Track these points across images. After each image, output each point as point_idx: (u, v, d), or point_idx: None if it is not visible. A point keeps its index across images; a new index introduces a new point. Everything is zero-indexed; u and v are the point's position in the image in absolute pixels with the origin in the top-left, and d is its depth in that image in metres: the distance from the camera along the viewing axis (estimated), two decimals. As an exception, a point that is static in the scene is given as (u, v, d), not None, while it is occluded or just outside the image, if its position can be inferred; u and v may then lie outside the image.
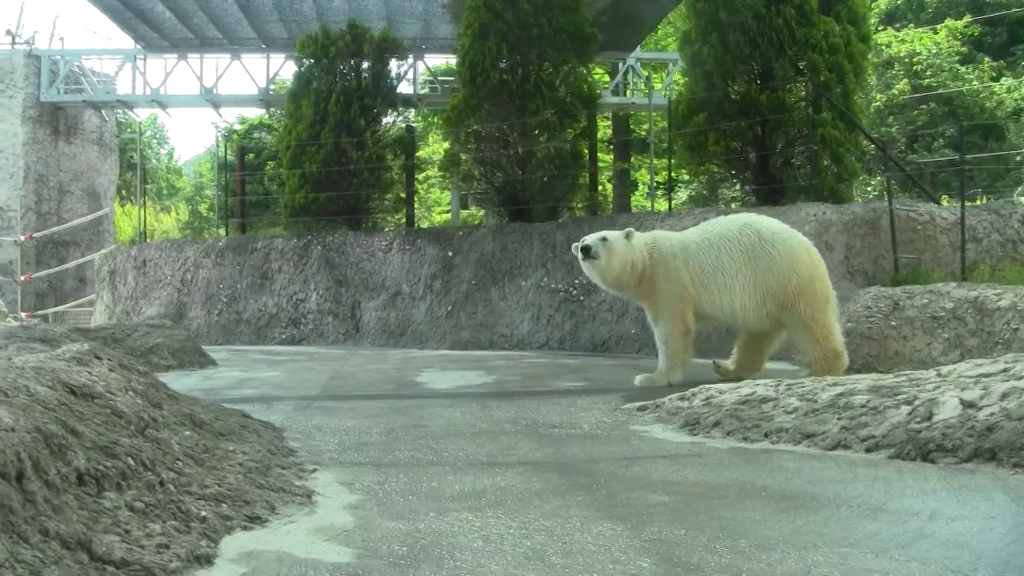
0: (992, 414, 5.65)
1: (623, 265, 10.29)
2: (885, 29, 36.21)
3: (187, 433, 5.22)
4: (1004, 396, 5.77)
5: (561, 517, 4.41)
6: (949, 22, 35.69)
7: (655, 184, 30.13)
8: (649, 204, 29.59)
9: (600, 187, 25.49)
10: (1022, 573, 3.52)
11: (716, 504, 4.70)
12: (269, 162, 38.40)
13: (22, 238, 31.99)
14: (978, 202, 19.90)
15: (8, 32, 34.36)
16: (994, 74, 36.05)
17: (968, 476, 5.18)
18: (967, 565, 3.57)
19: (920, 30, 35.66)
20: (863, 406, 6.44)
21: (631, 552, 3.79)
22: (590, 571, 3.57)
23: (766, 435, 6.59)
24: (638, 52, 32.28)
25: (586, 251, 10.16)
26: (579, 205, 21.28)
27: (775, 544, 3.88)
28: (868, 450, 5.91)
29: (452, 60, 28.83)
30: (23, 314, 29.40)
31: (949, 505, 4.55)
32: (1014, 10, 37.63)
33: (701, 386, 7.96)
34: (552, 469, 5.72)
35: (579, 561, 3.69)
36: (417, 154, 28.17)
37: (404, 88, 27.80)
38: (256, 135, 45.41)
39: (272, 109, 36.86)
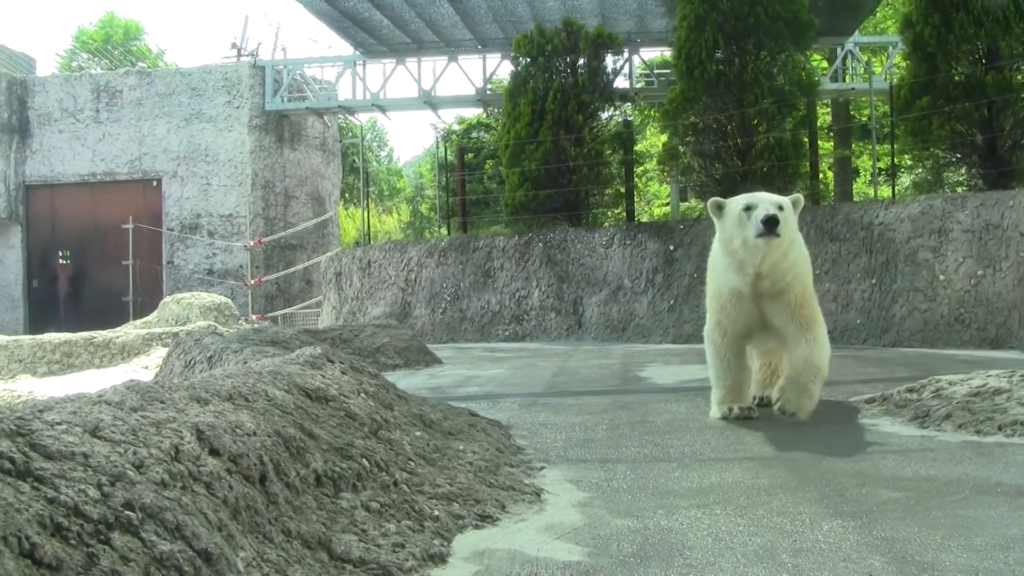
0: None
1: (791, 246, 7.20)
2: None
3: (417, 433, 5.38)
4: None
5: (790, 514, 4.39)
6: None
7: (877, 170, 29.46)
8: (872, 191, 28.97)
9: (821, 175, 25.03)
10: None
11: (949, 501, 4.59)
12: (488, 161, 38.91)
13: (251, 243, 33.20)
14: None
15: (234, 46, 35.70)
16: None
17: None
18: None
19: None
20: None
21: (863, 550, 3.76)
22: (821, 569, 3.55)
23: (1000, 428, 6.38)
24: (856, 36, 31.56)
25: (772, 224, 6.68)
26: (801, 194, 20.94)
27: (1014, 543, 3.78)
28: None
29: (667, 53, 28.74)
30: (254, 317, 30.53)
31: None
32: None
33: (930, 377, 7.78)
34: (779, 464, 5.69)
35: (810, 559, 3.67)
36: (635, 148, 28.15)
37: (620, 83, 27.81)
38: (474, 135, 46.05)
39: (489, 108, 37.26)
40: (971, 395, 7.02)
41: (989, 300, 14.50)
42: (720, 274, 7.53)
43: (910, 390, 7.69)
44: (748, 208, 6.92)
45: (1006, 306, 14.28)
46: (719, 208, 7.24)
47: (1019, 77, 17.48)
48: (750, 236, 6.86)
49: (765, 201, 6.91)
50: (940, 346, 14.09)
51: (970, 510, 4.40)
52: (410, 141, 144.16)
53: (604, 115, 24.91)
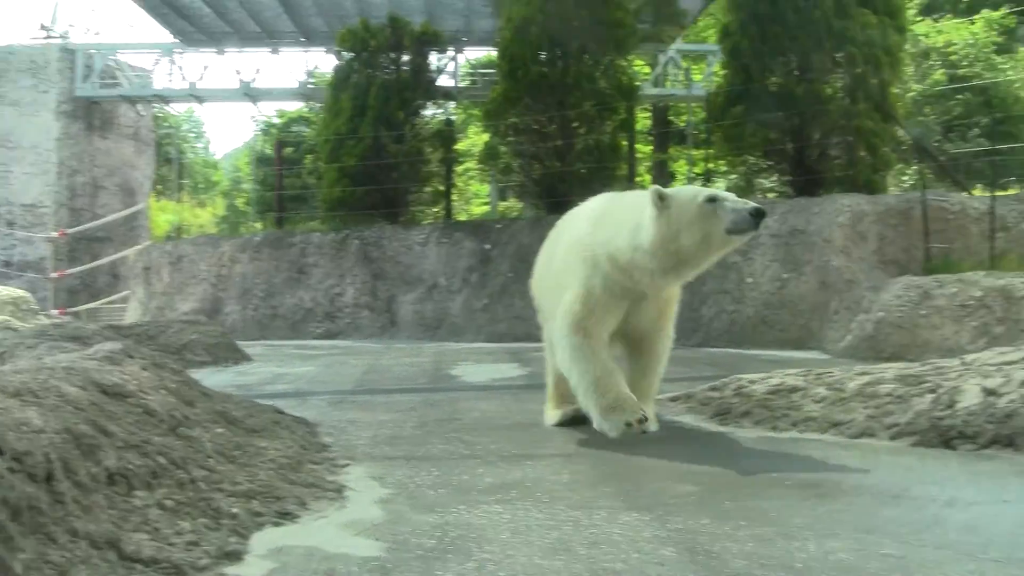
0: (1012, 401, 5.80)
1: None
2: (923, 20, 36.01)
3: (219, 430, 5.29)
4: (1023, 384, 5.87)
5: (588, 508, 4.48)
6: (986, 13, 35.47)
7: (694, 175, 30.09)
8: (688, 195, 29.51)
9: (639, 178, 25.45)
10: None
11: (741, 493, 4.78)
12: (308, 156, 38.55)
13: (55, 234, 32.14)
14: (1010, 192, 19.86)
15: (42, 27, 34.45)
16: (1031, 65, 35.94)
17: (987, 462, 5.35)
18: (979, 549, 3.66)
19: (957, 21, 35.46)
20: (889, 395, 6.52)
21: (656, 542, 3.87)
22: (615, 561, 3.63)
23: (794, 424, 6.71)
24: (679, 44, 32.19)
25: (761, 218, 6.00)
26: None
27: (797, 532, 3.96)
28: (892, 438, 6.01)
29: (493, 53, 28.86)
30: (55, 311, 29.55)
31: (966, 491, 4.69)
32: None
33: (732, 376, 8.00)
34: (581, 460, 5.84)
35: (604, 551, 3.75)
36: (456, 147, 28.23)
37: (444, 81, 27.83)
38: (294, 129, 45.53)
39: (311, 103, 36.91)
40: (769, 393, 7.25)
41: (793, 302, 15.03)
42: (605, 271, 6.50)
43: (713, 388, 7.88)
44: (713, 200, 6.02)
45: (808, 308, 14.83)
46: (662, 199, 6.16)
47: (828, 90, 18.12)
48: (717, 231, 6.00)
49: (728, 195, 6.16)
50: (746, 346, 14.48)
51: (760, 501, 4.58)
52: (228, 133, 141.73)
53: (426, 113, 24.94)
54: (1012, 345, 7.64)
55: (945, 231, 16.18)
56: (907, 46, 23.17)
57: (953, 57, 33.17)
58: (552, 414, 7.38)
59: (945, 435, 5.83)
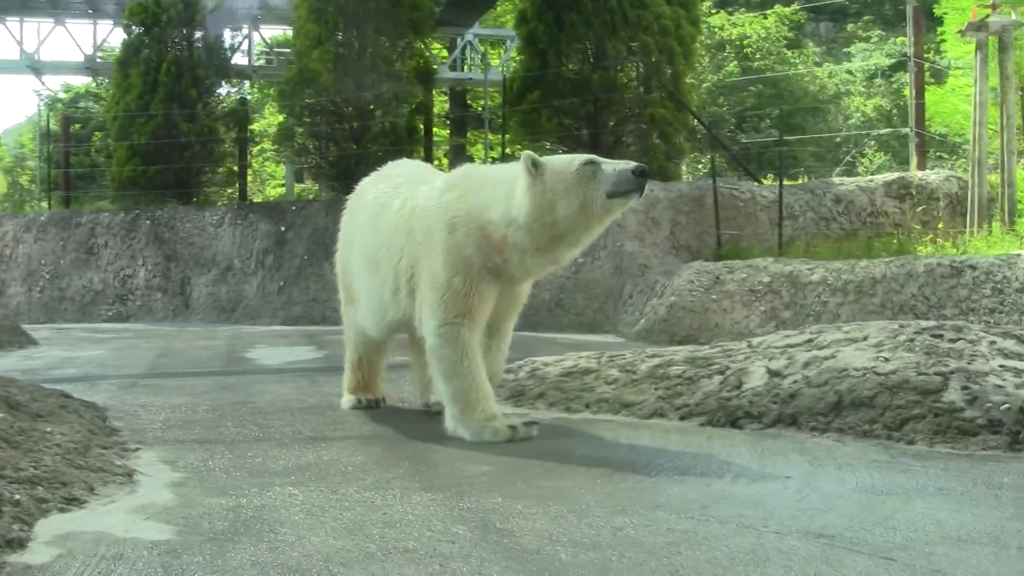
0: (795, 382, 6.08)
1: None
2: (718, 12, 36.98)
3: (0, 415, 5.10)
4: (806, 365, 6.17)
5: (383, 489, 4.50)
6: (778, 8, 36.59)
7: (491, 160, 30.27)
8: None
9: (436, 162, 25.47)
10: (806, 525, 3.76)
11: (534, 473, 4.86)
12: (96, 133, 37.46)
13: None
14: (798, 181, 20.55)
15: None
16: (817, 59, 37.39)
17: (771, 440, 5.59)
18: (759, 522, 3.81)
19: (751, 15, 36.53)
20: (679, 376, 6.68)
21: (448, 520, 3.91)
22: (407, 539, 3.65)
23: (587, 406, 6.85)
24: (477, 28, 32.28)
25: (644, 178, 5.60)
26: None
27: (588, 509, 4.04)
28: (682, 418, 6.18)
29: (289, 32, 28.48)
30: None
31: (751, 467, 4.89)
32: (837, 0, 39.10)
33: (527, 359, 8.05)
34: (377, 443, 5.86)
35: (397, 531, 3.77)
36: (252, 127, 27.81)
37: (239, 60, 27.39)
38: (82, 104, 44.21)
39: (99, 77, 35.85)
40: (563, 375, 7.34)
41: (588, 286, 15.26)
42: (477, 244, 5.82)
43: (508, 371, 7.91)
44: (592, 163, 5.58)
45: (603, 292, 15.09)
46: (536, 166, 5.63)
47: (623, 78, 18.41)
48: (597, 196, 5.50)
49: (605, 159, 5.71)
50: (541, 329, 14.60)
51: (552, 481, 4.67)
52: (10, 107, 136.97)
53: (220, 91, 24.50)
54: (797, 329, 7.91)
55: (736, 218, 16.67)
56: (701, 37, 23.74)
57: (747, 50, 34.23)
58: (348, 398, 7.26)
59: (732, 415, 6.07)
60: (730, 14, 37.04)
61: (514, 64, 24.83)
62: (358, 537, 3.68)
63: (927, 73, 22.97)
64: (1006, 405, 5.34)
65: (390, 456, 5.36)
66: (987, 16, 17.19)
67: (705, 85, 32.22)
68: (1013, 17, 17.96)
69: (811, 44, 39.80)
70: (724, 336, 11.34)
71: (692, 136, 21.22)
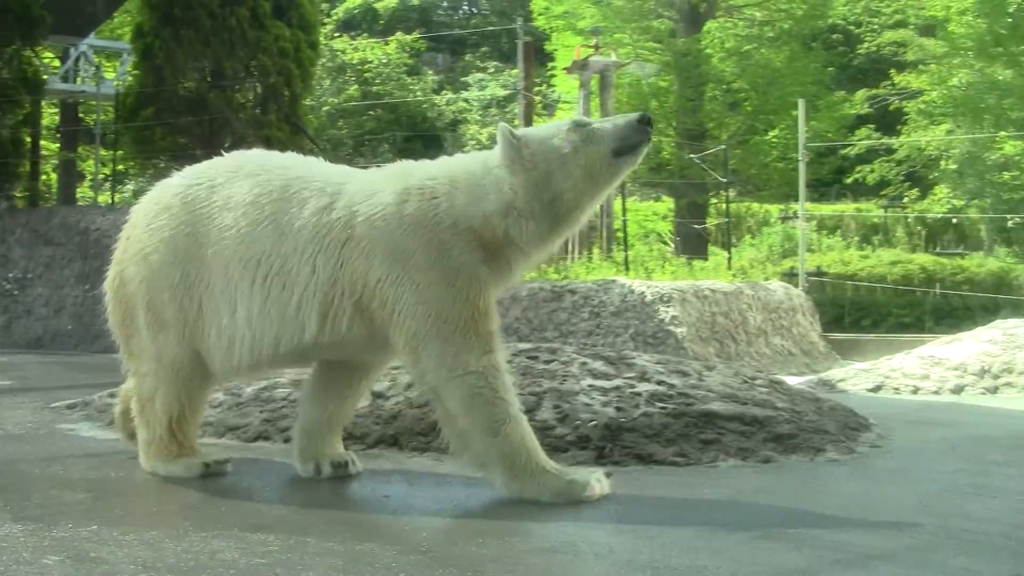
0: (397, 403, 6.21)
1: None
2: (341, 36, 37.28)
3: None
4: (408, 387, 6.29)
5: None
6: (400, 35, 37.26)
7: (102, 176, 29.38)
8: (95, 196, 28.80)
9: (44, 176, 24.57)
10: (403, 541, 3.87)
11: (134, 498, 4.82)
12: None
13: None
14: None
15: None
16: (435, 87, 38.39)
17: (373, 460, 5.65)
18: (357, 539, 3.91)
19: (373, 40, 37.02)
20: (284, 399, 6.71)
21: (39, 551, 3.77)
22: (-6, 573, 3.53)
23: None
24: (92, 39, 31.27)
25: (649, 125, 4.88)
26: (19, 194, 20.41)
27: (186, 533, 3.99)
28: (287, 440, 6.16)
29: None
30: None
31: (352, 487, 5.00)
32: (456, 31, 40.25)
33: (121, 385, 7.87)
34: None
35: (-16, 564, 3.64)
36: None
37: None
38: None
39: None
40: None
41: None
42: (482, 266, 4.80)
43: (112, 395, 7.76)
44: (583, 123, 4.84)
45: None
46: (518, 137, 4.82)
47: (240, 98, 18.35)
48: (601, 157, 4.74)
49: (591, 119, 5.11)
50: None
51: (151, 506, 4.66)
52: None
53: None
54: None
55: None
56: (322, 60, 23.92)
57: (367, 74, 34.62)
58: (179, 464, 5.28)
59: None
60: (353, 38, 37.40)
61: (130, 79, 24.27)
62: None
63: (539, 105, 23.99)
64: (593, 422, 5.67)
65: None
66: (590, 56, 18.18)
67: (325, 108, 32.43)
68: (613, 58, 19.06)
69: (430, 72, 40.81)
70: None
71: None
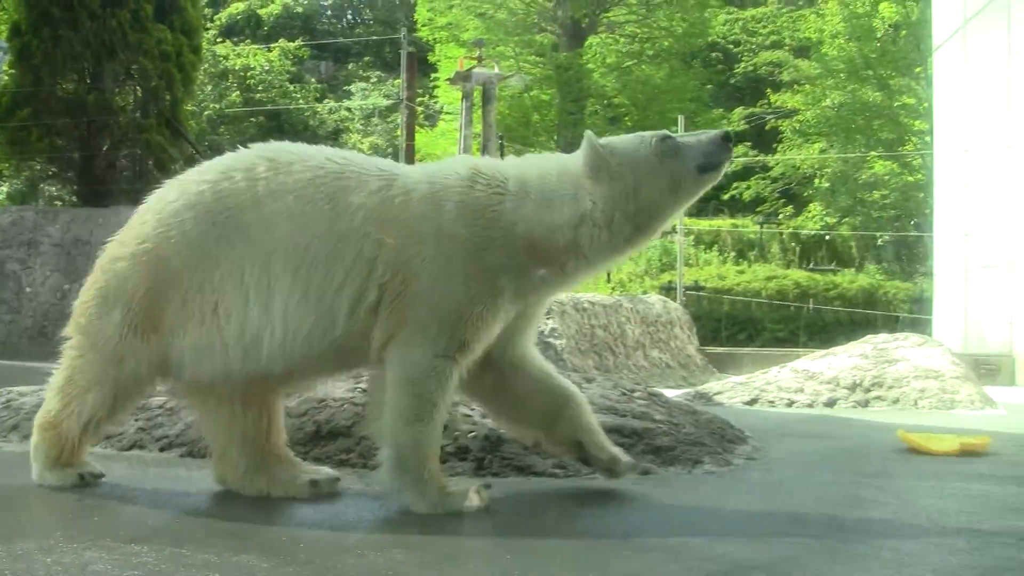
0: None
1: None
2: (224, 41, 37.01)
3: None
4: (287, 395, 6.08)
5: None
6: (283, 42, 37.07)
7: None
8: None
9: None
10: (279, 552, 3.76)
11: (2, 510, 4.68)
12: None
13: None
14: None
15: None
16: (318, 95, 38.27)
17: None
18: (236, 550, 3.78)
19: (256, 47, 36.78)
20: (160, 407, 6.64)
21: None
22: None
23: None
24: (-34, 36, 30.70)
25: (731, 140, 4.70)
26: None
27: (57, 545, 3.75)
28: (162, 449, 6.11)
29: None
30: None
31: (228, 496, 4.83)
32: (339, 40, 40.19)
33: (3, 389, 7.76)
34: None
35: None
36: None
37: None
38: None
39: None
40: (38, 406, 7.14)
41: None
42: (507, 279, 4.54)
43: (-6, 402, 7.66)
44: (669, 137, 4.58)
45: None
46: (604, 146, 4.56)
47: (119, 101, 18.17)
48: (688, 172, 4.57)
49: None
50: (23, 358, 14.09)
51: (19, 516, 4.47)
52: None
53: None
54: None
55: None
56: (205, 65, 23.76)
57: (250, 81, 34.41)
58: (62, 474, 4.94)
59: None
60: (236, 44, 37.13)
61: (5, 78, 23.88)
62: None
63: (421, 116, 24.06)
64: (472, 433, 5.64)
65: None
66: (473, 68, 18.33)
67: (207, 113, 32.18)
68: (496, 71, 19.23)
69: (313, 80, 40.66)
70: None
71: (190, 163, 21.12)
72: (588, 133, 4.54)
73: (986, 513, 4.49)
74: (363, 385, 6.09)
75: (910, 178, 29.04)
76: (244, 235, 4.59)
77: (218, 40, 36.66)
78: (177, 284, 4.58)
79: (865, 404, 9.86)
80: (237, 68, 34.53)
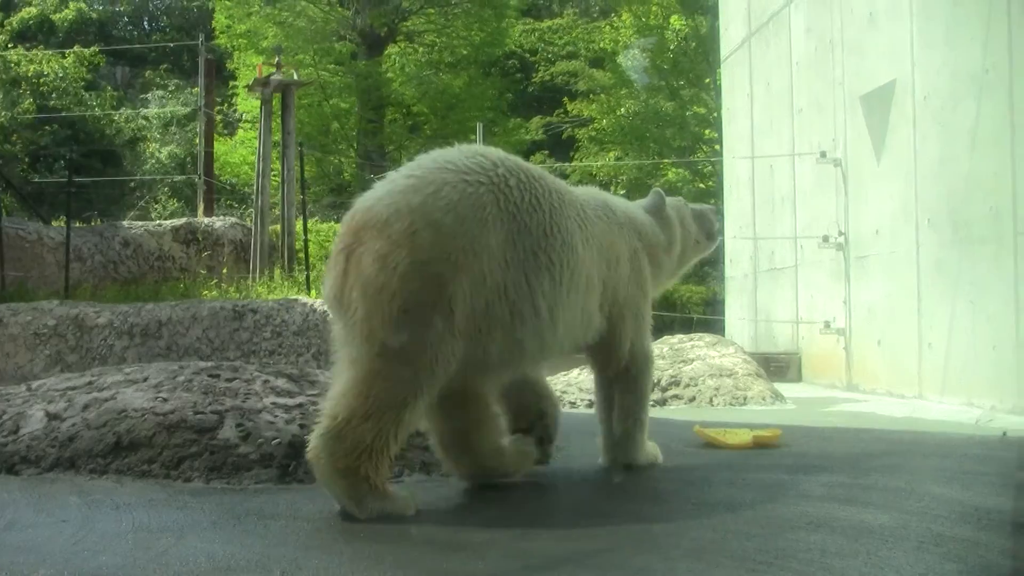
0: (74, 425, 5.98)
1: None
2: (15, 47, 36.10)
3: None
4: (86, 407, 6.14)
5: None
6: (78, 48, 36.32)
7: None
8: None
9: None
10: (80, 567, 3.75)
11: None
12: None
13: None
14: (92, 224, 20.75)
15: None
16: (115, 103, 37.63)
17: (49, 485, 5.45)
18: (30, 567, 3.75)
19: (49, 52, 35.95)
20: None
21: None
22: None
23: None
24: None
25: None
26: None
27: None
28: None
29: None
30: None
31: (26, 514, 4.74)
32: (136, 46, 39.71)
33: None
34: None
35: None
36: None
37: None
38: None
39: None
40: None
41: None
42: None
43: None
44: (687, 206, 6.08)
45: None
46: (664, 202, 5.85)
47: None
48: (708, 235, 6.18)
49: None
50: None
51: None
52: None
53: None
54: (80, 372, 7.89)
55: (22, 259, 16.57)
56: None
57: (43, 88, 33.62)
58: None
59: (9, 461, 5.86)
60: (28, 49, 36.26)
61: None
62: None
63: (220, 124, 23.98)
64: (277, 440, 5.65)
65: None
66: (271, 74, 18.43)
67: (-1, 122, 31.42)
68: (295, 77, 19.36)
69: (109, 87, 39.95)
70: (8, 381, 11.05)
71: None
72: (657, 189, 5.82)
73: (779, 501, 4.84)
74: (164, 394, 6.14)
75: (701, 185, 29.97)
76: (522, 243, 4.75)
77: (9, 45, 35.77)
78: (480, 289, 4.60)
79: (663, 403, 10.36)
80: (30, 75, 33.73)
